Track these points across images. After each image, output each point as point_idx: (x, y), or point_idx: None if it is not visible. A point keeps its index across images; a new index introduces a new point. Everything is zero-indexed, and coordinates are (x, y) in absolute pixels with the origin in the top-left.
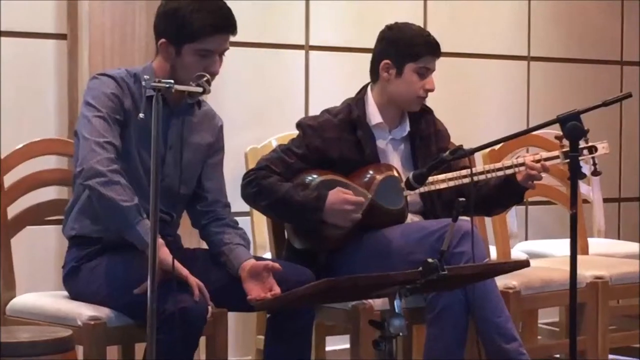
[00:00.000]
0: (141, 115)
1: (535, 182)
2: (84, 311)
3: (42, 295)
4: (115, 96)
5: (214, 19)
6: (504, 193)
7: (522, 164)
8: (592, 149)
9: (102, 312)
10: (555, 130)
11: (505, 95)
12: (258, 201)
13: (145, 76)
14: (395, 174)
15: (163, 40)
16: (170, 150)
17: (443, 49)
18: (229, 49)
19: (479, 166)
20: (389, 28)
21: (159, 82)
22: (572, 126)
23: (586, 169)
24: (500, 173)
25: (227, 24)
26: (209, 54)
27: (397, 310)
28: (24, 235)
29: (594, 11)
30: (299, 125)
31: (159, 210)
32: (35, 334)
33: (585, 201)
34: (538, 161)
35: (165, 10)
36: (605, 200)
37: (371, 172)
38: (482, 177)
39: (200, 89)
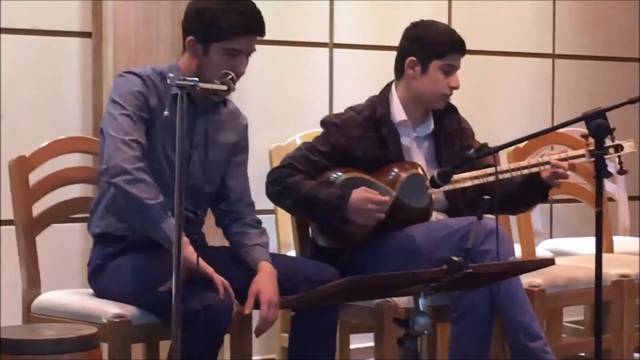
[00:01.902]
0: (166, 113)
1: (561, 180)
2: (109, 309)
3: (67, 293)
4: (141, 94)
5: (244, 19)
6: (528, 191)
7: (548, 162)
8: (618, 148)
9: (127, 309)
10: (580, 128)
11: (529, 93)
12: (282, 199)
13: (170, 74)
14: (420, 171)
15: (191, 37)
16: (196, 148)
17: (467, 46)
18: (256, 50)
19: (504, 164)
20: (414, 25)
21: (184, 80)
22: (597, 124)
23: (612, 167)
24: (525, 171)
25: (256, 25)
26: (236, 53)
27: (421, 309)
28: (49, 233)
29: (620, 8)
30: (323, 123)
31: (184, 208)
32: (60, 331)
33: (611, 199)
34: (564, 159)
35: (196, 9)
36: (631, 199)
37: (396, 169)
38: (507, 175)
39: (224, 87)
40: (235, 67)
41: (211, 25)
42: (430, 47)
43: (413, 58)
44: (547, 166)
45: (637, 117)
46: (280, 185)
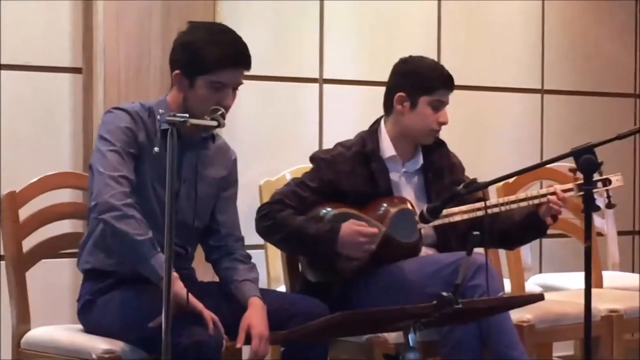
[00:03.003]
0: (156, 149)
1: (555, 216)
2: (99, 344)
3: (57, 329)
4: (129, 130)
5: (229, 52)
6: (526, 229)
7: (537, 197)
8: (606, 182)
9: (117, 345)
10: (569, 163)
11: (518, 128)
12: (272, 235)
13: (160, 110)
14: (409, 206)
15: (177, 71)
16: (185, 183)
17: (457, 82)
18: (243, 83)
19: (493, 199)
20: (403, 61)
21: (174, 116)
22: (586, 159)
23: (600, 201)
24: (514, 206)
25: (241, 58)
26: (222, 87)
27: (411, 344)
28: (38, 269)
29: (608, 44)
30: (312, 158)
31: (173, 244)
32: None
33: (600, 234)
34: (554, 194)
35: (181, 43)
36: (620, 233)
37: (385, 205)
38: (495, 209)
39: (214, 123)
40: (222, 101)
41: (196, 58)
42: (419, 82)
43: (402, 94)
44: (537, 201)
45: (627, 151)
46: (270, 220)
